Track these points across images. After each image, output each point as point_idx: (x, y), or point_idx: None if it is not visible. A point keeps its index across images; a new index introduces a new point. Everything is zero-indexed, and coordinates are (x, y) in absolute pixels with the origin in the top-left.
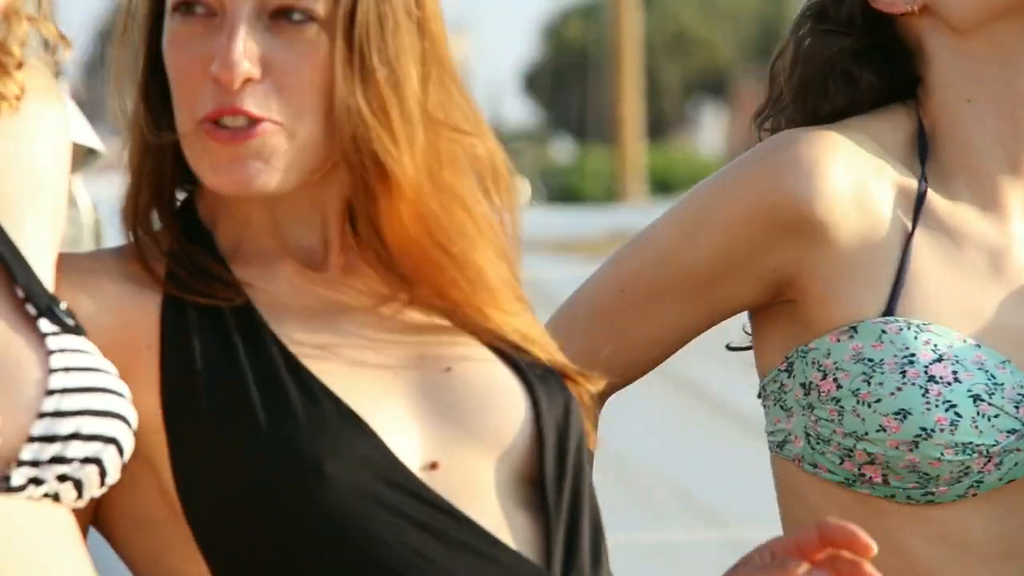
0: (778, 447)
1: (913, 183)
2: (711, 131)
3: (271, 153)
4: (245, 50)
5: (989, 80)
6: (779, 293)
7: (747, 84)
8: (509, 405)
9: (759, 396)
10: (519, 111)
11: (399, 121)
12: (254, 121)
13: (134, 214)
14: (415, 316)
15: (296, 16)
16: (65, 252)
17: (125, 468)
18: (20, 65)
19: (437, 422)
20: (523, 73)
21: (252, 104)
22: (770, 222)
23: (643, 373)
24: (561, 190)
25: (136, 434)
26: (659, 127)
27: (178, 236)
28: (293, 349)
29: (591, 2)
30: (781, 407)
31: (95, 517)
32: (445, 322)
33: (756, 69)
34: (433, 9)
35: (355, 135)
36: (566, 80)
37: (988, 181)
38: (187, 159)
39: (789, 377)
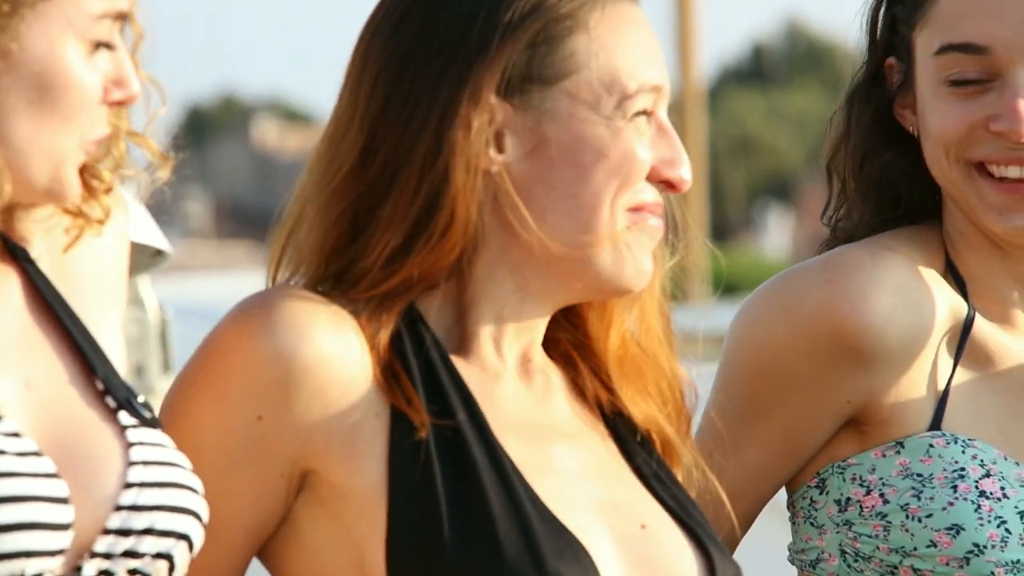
0: (810, 566)
1: (960, 304)
2: (776, 234)
3: None
4: None
5: (965, 214)
6: (844, 424)
7: (811, 188)
8: (692, 567)
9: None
10: None
11: None
12: None
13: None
14: (608, 456)
15: None
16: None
17: (312, 527)
18: (109, 190)
19: (631, 571)
20: None
21: None
22: (836, 353)
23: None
24: None
25: (335, 495)
26: (723, 230)
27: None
28: (520, 467)
29: None
30: (812, 524)
31: (269, 564)
32: (632, 475)
33: (821, 173)
34: None
35: None
36: None
37: (997, 301)
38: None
39: (821, 494)
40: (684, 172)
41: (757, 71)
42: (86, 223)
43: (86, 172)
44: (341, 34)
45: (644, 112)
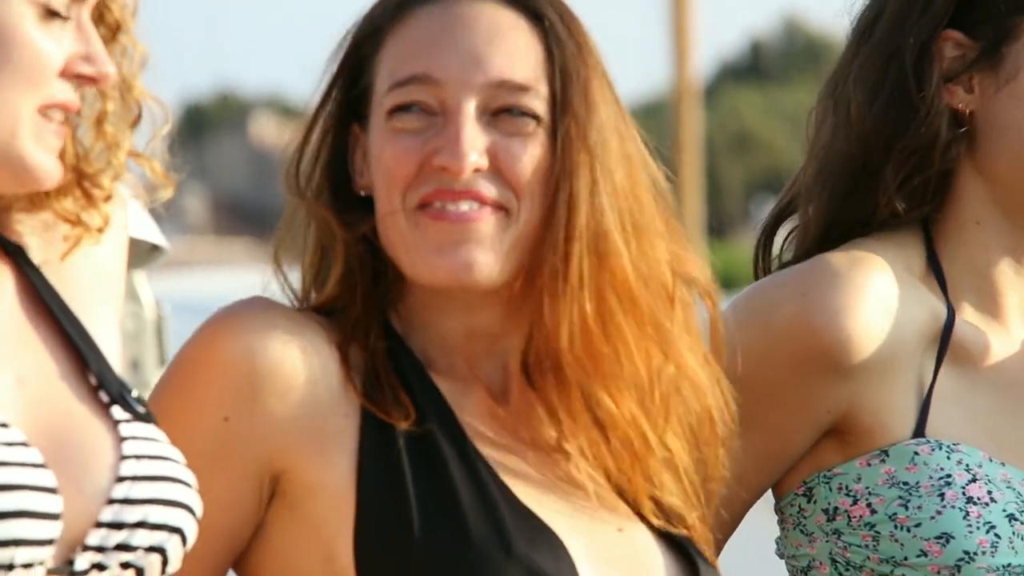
0: (802, 572)
1: (940, 307)
2: None
3: (493, 240)
4: (473, 142)
5: (1002, 203)
6: (829, 432)
7: None
8: (673, 571)
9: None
10: None
11: (620, 227)
12: (481, 206)
13: (354, 320)
14: (582, 470)
15: (517, 112)
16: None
17: (282, 529)
18: (109, 198)
19: (607, 566)
20: None
21: (482, 187)
22: (818, 365)
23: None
24: None
25: (305, 494)
26: (720, 226)
27: (381, 341)
28: (493, 466)
29: (652, 102)
30: (801, 531)
31: (239, 566)
32: (605, 483)
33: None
34: (631, 129)
35: (584, 221)
36: None
37: (990, 296)
38: (394, 249)
39: (809, 502)
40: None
41: (755, 67)
42: (85, 231)
43: (86, 181)
44: (340, 31)
45: (403, 106)
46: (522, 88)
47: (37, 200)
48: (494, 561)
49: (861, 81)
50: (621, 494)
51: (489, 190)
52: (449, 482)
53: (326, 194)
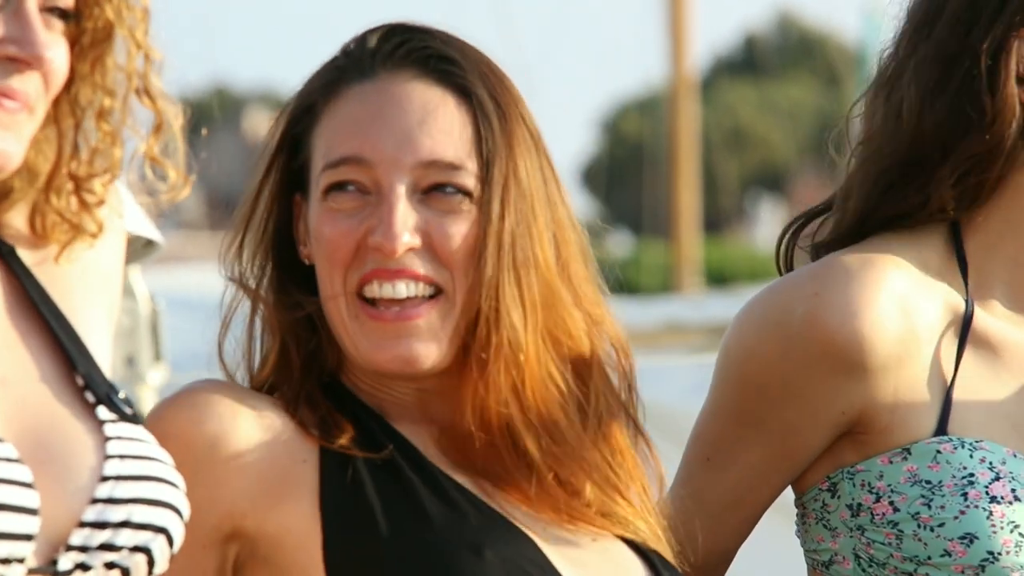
0: (823, 566)
1: (959, 302)
2: (768, 226)
3: (433, 332)
4: (405, 222)
5: None
6: (845, 433)
7: (804, 179)
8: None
9: (796, 508)
10: (576, 204)
11: (529, 300)
12: (419, 303)
13: (289, 378)
14: (547, 488)
15: (449, 189)
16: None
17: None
18: (101, 203)
19: (581, 572)
20: (580, 167)
21: (417, 266)
22: (831, 367)
23: (732, 549)
24: (617, 282)
25: (273, 547)
26: (716, 221)
27: (322, 395)
28: (458, 481)
29: (648, 97)
30: (824, 526)
31: None
32: (573, 501)
33: (813, 165)
34: (565, 199)
35: (491, 296)
36: (623, 174)
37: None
38: (336, 331)
39: (833, 497)
40: (386, 239)
41: (750, 62)
42: (77, 235)
43: (80, 186)
44: (333, 24)
45: (337, 184)
46: (452, 166)
47: (41, 230)
48: (467, 561)
49: (918, 79)
50: (584, 512)
51: (424, 268)
52: (415, 495)
53: (271, 266)
